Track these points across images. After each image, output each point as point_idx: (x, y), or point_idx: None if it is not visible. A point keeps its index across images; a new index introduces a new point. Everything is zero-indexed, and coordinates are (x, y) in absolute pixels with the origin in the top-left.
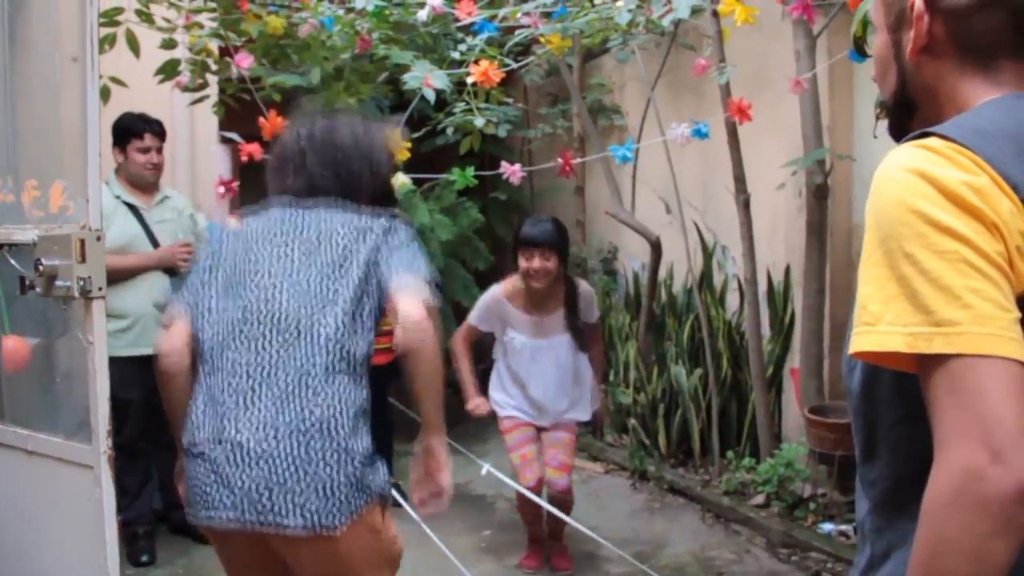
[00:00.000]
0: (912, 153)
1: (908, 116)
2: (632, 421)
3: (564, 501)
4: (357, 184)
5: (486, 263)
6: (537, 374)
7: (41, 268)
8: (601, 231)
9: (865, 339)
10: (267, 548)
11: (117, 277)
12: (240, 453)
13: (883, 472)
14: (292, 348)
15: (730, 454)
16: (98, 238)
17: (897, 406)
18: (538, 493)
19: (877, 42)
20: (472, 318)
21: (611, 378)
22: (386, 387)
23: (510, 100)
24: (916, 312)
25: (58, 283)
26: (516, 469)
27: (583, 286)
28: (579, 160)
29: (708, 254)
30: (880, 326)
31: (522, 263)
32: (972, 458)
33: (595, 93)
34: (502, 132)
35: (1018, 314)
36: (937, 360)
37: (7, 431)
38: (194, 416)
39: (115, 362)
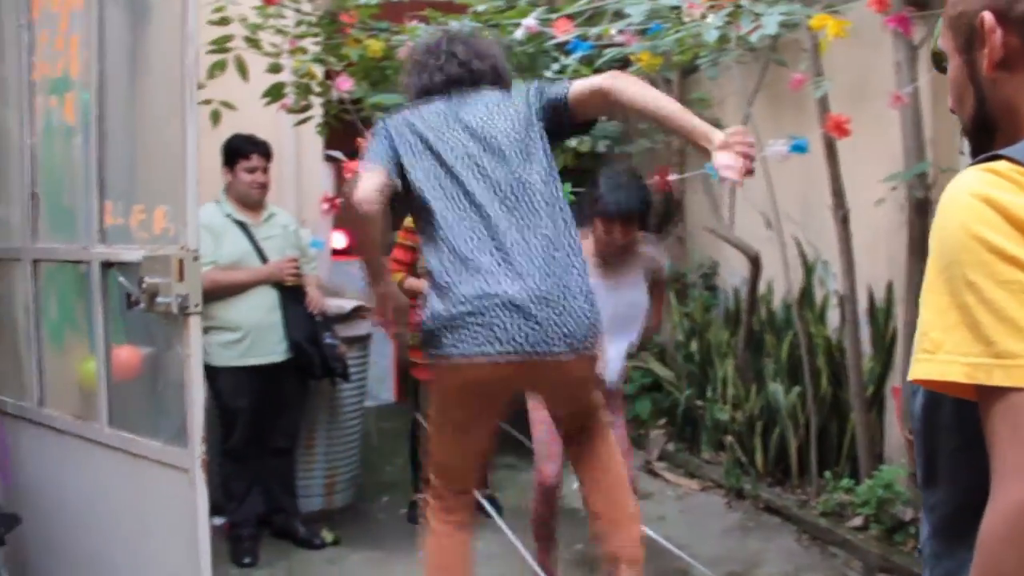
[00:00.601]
0: (978, 177)
1: (989, 139)
2: (729, 438)
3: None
4: (503, 75)
5: None
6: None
7: (144, 285)
8: (701, 246)
9: (925, 367)
10: (508, 384)
11: (228, 292)
12: (505, 300)
13: (943, 498)
14: (518, 202)
15: (828, 474)
16: (195, 258)
17: (957, 433)
18: (555, 491)
19: (950, 68)
20: None
21: (708, 394)
22: None
23: (603, 117)
24: (976, 342)
25: (159, 299)
26: (538, 455)
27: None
28: (683, 176)
29: (809, 270)
30: (940, 354)
31: (600, 233)
32: None
33: (695, 108)
34: (601, 148)
35: None
36: (996, 392)
37: (114, 435)
38: (447, 275)
39: (226, 372)
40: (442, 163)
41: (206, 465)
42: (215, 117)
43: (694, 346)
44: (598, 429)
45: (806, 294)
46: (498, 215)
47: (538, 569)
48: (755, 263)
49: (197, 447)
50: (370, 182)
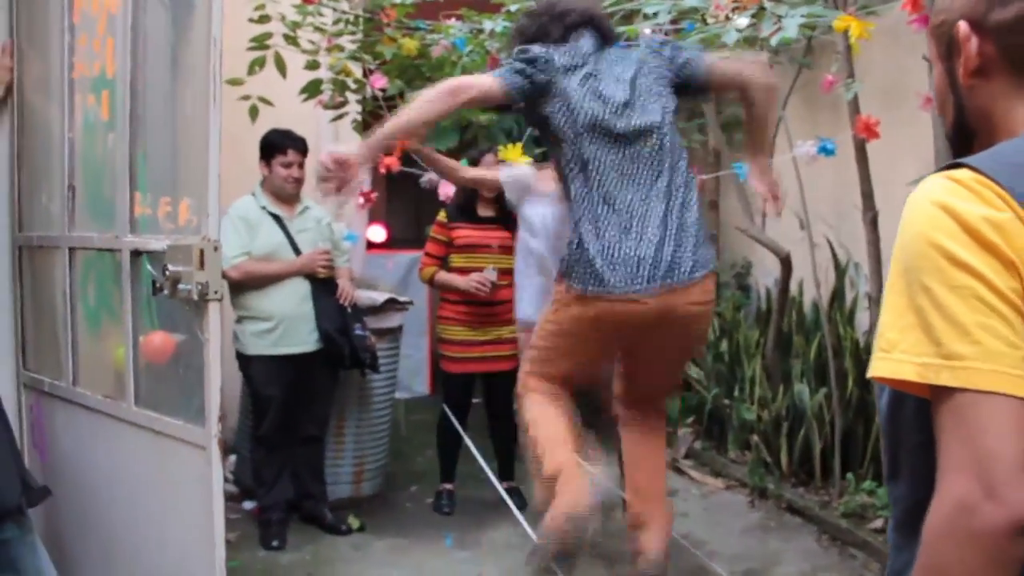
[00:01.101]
0: (940, 185)
1: (968, 144)
2: (755, 438)
3: None
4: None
5: None
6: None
7: (168, 273)
8: (735, 246)
9: (880, 365)
10: (633, 320)
11: (263, 282)
12: (647, 242)
13: (904, 492)
14: (649, 153)
15: (851, 476)
16: (215, 248)
17: (918, 430)
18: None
19: (934, 76)
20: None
21: (736, 394)
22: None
23: None
24: (929, 343)
25: (181, 287)
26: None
27: None
28: (712, 175)
29: (841, 271)
30: (895, 353)
31: None
32: (967, 491)
33: (734, 107)
34: None
35: None
36: (945, 392)
37: (140, 413)
38: (592, 227)
39: (259, 360)
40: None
41: (222, 444)
42: (254, 112)
43: (724, 345)
44: (662, 415)
45: (837, 296)
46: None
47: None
48: (786, 264)
49: (214, 426)
50: (484, 81)
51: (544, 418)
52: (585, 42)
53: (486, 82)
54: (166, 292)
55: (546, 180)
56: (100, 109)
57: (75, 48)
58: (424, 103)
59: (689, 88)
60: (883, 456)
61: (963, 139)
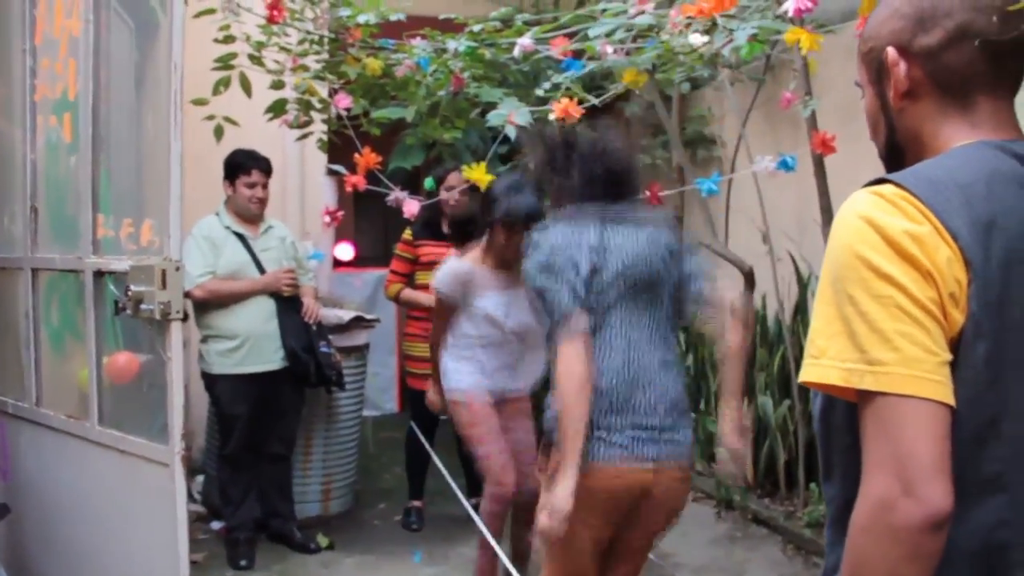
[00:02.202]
0: (865, 199)
1: (899, 163)
2: (721, 450)
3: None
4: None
5: None
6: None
7: (130, 293)
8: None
9: (810, 370)
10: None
11: (228, 301)
12: (660, 410)
13: (837, 492)
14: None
15: (814, 486)
16: (177, 268)
17: (848, 433)
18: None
19: (866, 100)
20: (441, 286)
21: (701, 407)
22: None
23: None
24: (854, 350)
25: (143, 306)
26: (494, 470)
27: None
28: (673, 191)
29: (803, 285)
30: (823, 360)
31: (501, 239)
32: (887, 489)
33: (696, 124)
34: None
35: (947, 357)
36: (868, 396)
37: (104, 432)
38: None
39: (224, 379)
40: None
41: (185, 461)
42: (219, 132)
43: (689, 360)
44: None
45: (799, 309)
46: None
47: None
48: (749, 278)
49: (177, 444)
50: (579, 347)
51: None
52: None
53: (580, 346)
54: (129, 312)
55: (479, 263)
56: (62, 130)
57: (37, 70)
58: (576, 411)
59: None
60: (819, 459)
61: (894, 158)
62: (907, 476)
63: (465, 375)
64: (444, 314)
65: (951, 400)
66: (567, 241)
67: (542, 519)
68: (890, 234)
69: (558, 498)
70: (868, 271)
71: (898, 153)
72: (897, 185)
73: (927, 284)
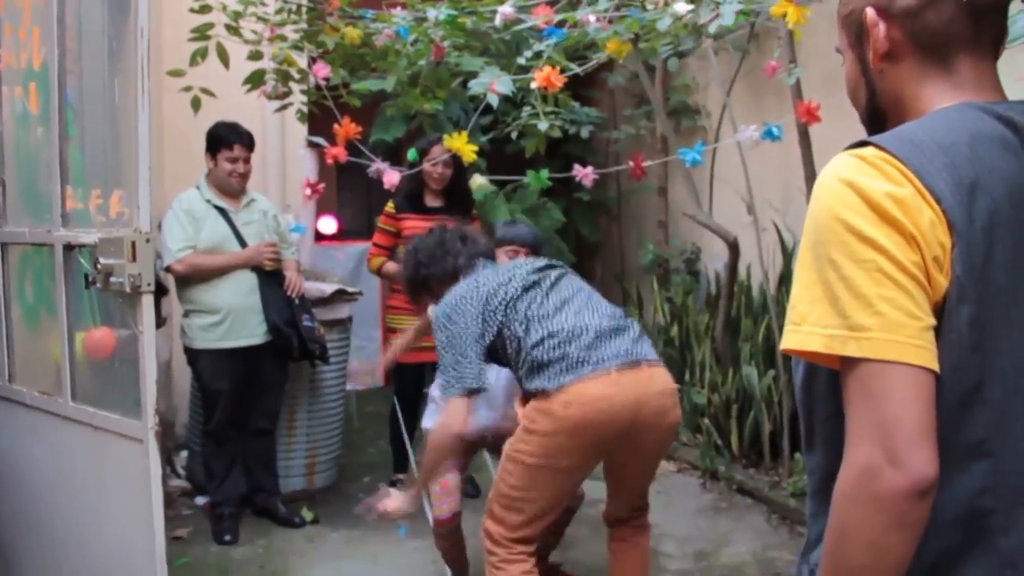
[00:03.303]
0: (846, 162)
1: (881, 128)
2: (705, 421)
3: None
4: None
5: (568, 263)
6: None
7: (99, 266)
8: (684, 232)
9: (791, 337)
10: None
11: (209, 275)
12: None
13: (819, 462)
14: None
15: (799, 456)
16: (147, 240)
17: (831, 401)
18: (456, 528)
19: (846, 64)
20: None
21: (687, 378)
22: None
23: (576, 104)
24: (835, 316)
25: (113, 279)
26: (433, 496)
27: None
28: (657, 162)
29: (788, 255)
30: (805, 326)
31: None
32: (871, 457)
33: (680, 94)
34: (584, 133)
35: (931, 322)
36: (851, 362)
37: (77, 408)
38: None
39: (206, 354)
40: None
41: (159, 436)
42: (196, 104)
43: (674, 330)
44: (646, 523)
45: (784, 279)
46: None
47: None
48: (734, 249)
49: (150, 419)
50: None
51: None
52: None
53: (466, 406)
54: (99, 285)
55: None
56: (28, 101)
57: (1, 38)
58: (441, 453)
59: None
60: (801, 428)
61: (876, 122)
62: (891, 444)
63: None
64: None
65: (935, 365)
66: (463, 307)
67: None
68: (872, 197)
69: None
70: (849, 235)
71: (879, 117)
72: (878, 147)
73: (910, 248)
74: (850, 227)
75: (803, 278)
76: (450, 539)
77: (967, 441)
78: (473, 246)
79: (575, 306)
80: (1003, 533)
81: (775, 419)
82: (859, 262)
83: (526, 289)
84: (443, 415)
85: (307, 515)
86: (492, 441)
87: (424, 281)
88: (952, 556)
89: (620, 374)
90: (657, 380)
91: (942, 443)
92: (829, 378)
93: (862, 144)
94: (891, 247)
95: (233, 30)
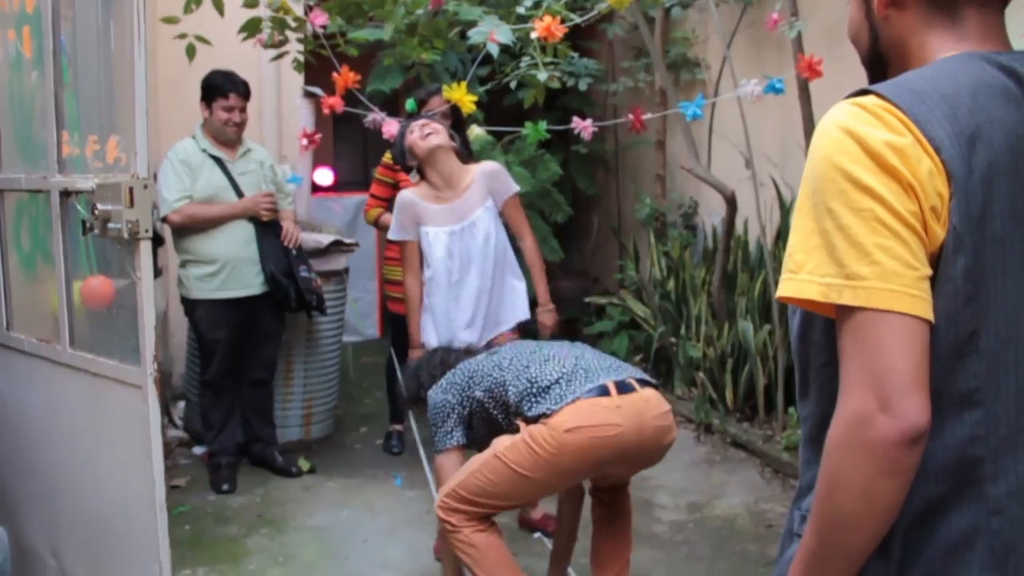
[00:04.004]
0: (846, 110)
1: (882, 73)
2: (700, 375)
3: None
4: None
5: (565, 216)
6: (464, 265)
7: (97, 212)
8: (682, 186)
9: (787, 285)
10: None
11: (206, 225)
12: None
13: (813, 410)
14: None
15: (792, 410)
16: (145, 186)
17: (825, 349)
18: None
19: (850, 8)
20: (392, 234)
21: (682, 332)
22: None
23: (575, 54)
24: (832, 264)
25: (111, 225)
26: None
27: (486, 164)
28: (656, 115)
29: (785, 210)
30: (801, 274)
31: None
32: (864, 404)
33: (679, 47)
34: (583, 86)
35: (927, 271)
36: (846, 311)
37: (75, 355)
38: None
39: (204, 304)
40: None
41: (158, 382)
42: (191, 51)
43: (671, 284)
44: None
45: (781, 234)
46: None
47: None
48: (731, 203)
49: (149, 365)
50: None
51: (495, 556)
52: None
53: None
54: (96, 232)
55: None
56: (22, 46)
57: None
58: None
59: None
60: (796, 376)
61: (877, 68)
62: (884, 392)
63: (428, 330)
64: (410, 262)
65: (930, 315)
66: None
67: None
68: (871, 145)
69: None
70: (848, 183)
71: (881, 63)
72: (879, 96)
73: (908, 197)
74: (848, 175)
75: (800, 226)
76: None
77: (960, 390)
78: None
79: (542, 355)
80: (991, 480)
81: (770, 373)
82: (856, 211)
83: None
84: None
85: (304, 465)
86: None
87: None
88: (941, 503)
89: (621, 398)
90: (653, 403)
91: (935, 392)
92: (825, 326)
93: (863, 92)
94: (889, 196)
95: None
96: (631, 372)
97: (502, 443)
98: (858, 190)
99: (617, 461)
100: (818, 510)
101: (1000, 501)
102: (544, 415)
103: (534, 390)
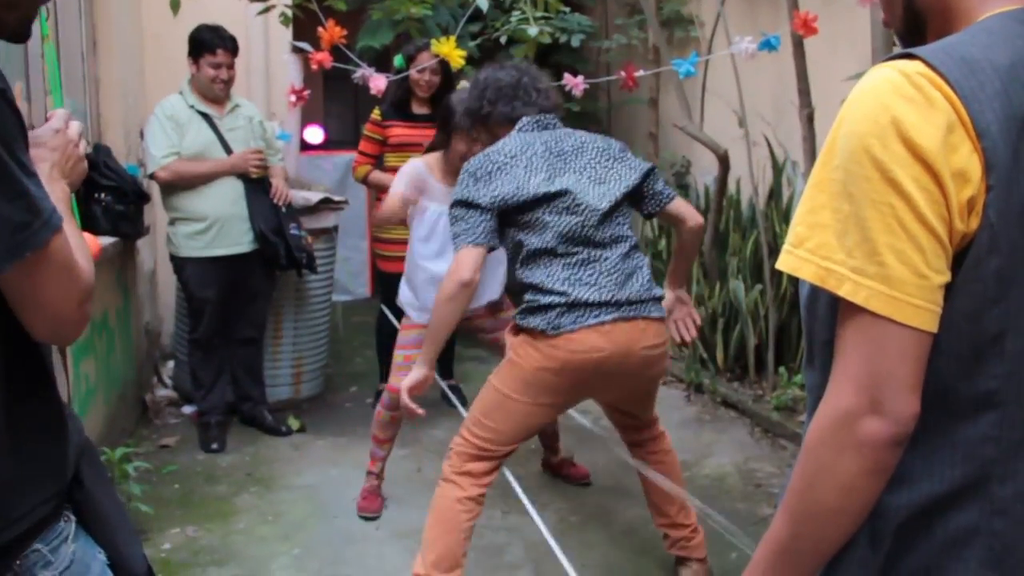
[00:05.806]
0: (888, 79)
1: (920, 38)
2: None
3: None
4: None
5: None
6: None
7: None
8: (674, 144)
9: (785, 259)
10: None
11: (194, 182)
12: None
13: (818, 381)
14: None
15: (783, 370)
16: None
17: (829, 326)
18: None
19: None
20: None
21: None
22: None
23: (567, 9)
24: (838, 250)
25: None
26: (394, 367)
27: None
28: (648, 72)
29: (778, 169)
30: (800, 250)
31: (463, 147)
32: (855, 403)
33: (674, 4)
34: (575, 42)
35: (940, 280)
36: (849, 303)
37: None
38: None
39: (193, 262)
40: None
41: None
42: (175, 5)
43: (662, 243)
44: (659, 431)
45: (774, 194)
46: None
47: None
48: (724, 162)
49: None
50: (473, 258)
51: (446, 516)
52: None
53: (474, 257)
54: None
55: (432, 171)
56: None
57: None
58: (448, 308)
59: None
60: (803, 343)
61: (915, 34)
62: (879, 395)
63: (405, 293)
64: (398, 212)
65: (933, 327)
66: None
67: (405, 383)
68: (906, 131)
69: (408, 380)
70: (875, 171)
71: (920, 27)
72: (926, 63)
73: (937, 192)
74: (877, 163)
75: (812, 196)
76: (395, 419)
77: (979, 391)
78: (545, 100)
79: (594, 240)
80: (1000, 482)
81: (760, 333)
82: (876, 204)
83: (562, 205)
84: (452, 264)
85: (293, 424)
86: (490, 336)
87: (483, 117)
88: (945, 500)
89: (614, 325)
90: (649, 335)
91: (951, 391)
92: (829, 303)
93: (907, 56)
94: (915, 193)
95: None
96: (648, 311)
97: (493, 375)
98: (884, 182)
99: (603, 384)
100: (795, 504)
101: (1006, 502)
102: (538, 331)
103: (537, 297)
